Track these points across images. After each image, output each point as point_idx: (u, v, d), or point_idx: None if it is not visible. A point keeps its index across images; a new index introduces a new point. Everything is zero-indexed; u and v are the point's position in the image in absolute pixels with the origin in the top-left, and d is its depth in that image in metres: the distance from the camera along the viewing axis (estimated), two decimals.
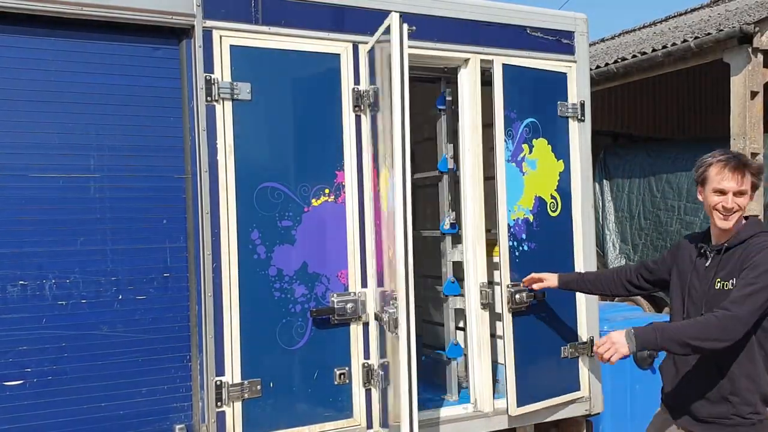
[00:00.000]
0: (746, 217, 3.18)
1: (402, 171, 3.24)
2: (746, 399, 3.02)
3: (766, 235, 3.06)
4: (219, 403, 3.56)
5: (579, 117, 4.56)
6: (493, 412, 4.23)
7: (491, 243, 4.45)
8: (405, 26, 3.32)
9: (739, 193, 3.04)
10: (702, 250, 3.22)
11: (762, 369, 3.04)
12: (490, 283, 4.38)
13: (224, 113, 3.59)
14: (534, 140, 4.37)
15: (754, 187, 3.09)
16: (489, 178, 4.55)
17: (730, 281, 3.03)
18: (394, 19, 3.30)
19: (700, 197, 3.20)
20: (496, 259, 5.39)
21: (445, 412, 4.21)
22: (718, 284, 3.07)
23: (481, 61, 4.26)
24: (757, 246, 3.02)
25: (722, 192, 3.05)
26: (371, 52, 3.81)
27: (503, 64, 4.15)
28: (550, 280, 4.02)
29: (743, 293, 2.92)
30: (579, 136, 4.57)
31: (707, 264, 3.17)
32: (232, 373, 3.59)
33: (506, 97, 4.15)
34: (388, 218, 3.47)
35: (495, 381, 4.37)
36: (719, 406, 3.05)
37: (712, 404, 3.07)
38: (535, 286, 4.10)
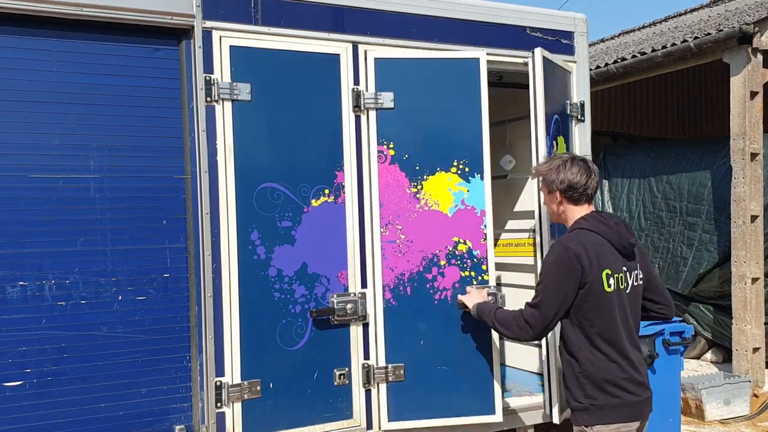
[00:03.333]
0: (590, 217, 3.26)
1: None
2: (574, 384, 3.12)
3: (558, 242, 3.20)
4: (219, 404, 3.56)
5: (579, 117, 4.56)
6: None
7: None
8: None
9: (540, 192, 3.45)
10: None
11: (582, 355, 3.09)
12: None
13: (224, 114, 3.59)
14: (558, 137, 4.36)
15: (548, 186, 3.31)
16: (495, 177, 4.53)
17: None
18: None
19: None
20: (500, 260, 5.43)
21: None
22: None
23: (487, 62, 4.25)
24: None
25: None
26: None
27: (543, 57, 4.12)
28: None
29: (532, 302, 3.20)
30: (579, 137, 4.57)
31: None
32: (232, 373, 3.59)
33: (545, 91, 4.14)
34: (458, 217, 4.01)
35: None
36: (565, 392, 3.21)
37: (566, 391, 3.21)
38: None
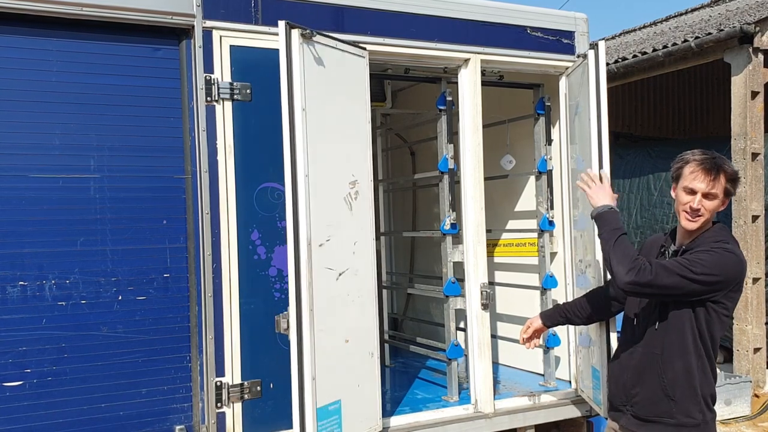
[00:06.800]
0: (715, 222, 3.06)
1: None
2: (688, 398, 2.93)
3: (725, 243, 2.93)
4: (219, 404, 3.55)
5: None
6: (493, 413, 4.22)
7: (491, 243, 4.43)
8: None
9: (708, 196, 2.93)
10: (662, 249, 3.15)
11: (700, 370, 2.94)
12: (491, 283, 4.37)
13: (224, 113, 3.59)
14: None
15: (727, 193, 2.96)
16: (489, 178, 4.54)
17: None
18: None
19: (673, 194, 3.09)
20: (497, 260, 5.43)
21: (445, 413, 4.20)
22: None
23: (482, 61, 4.26)
24: (708, 244, 2.93)
25: (692, 191, 2.95)
26: None
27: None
28: (536, 323, 3.68)
29: (675, 267, 2.85)
30: None
31: None
32: (232, 373, 3.59)
33: None
34: None
35: (496, 382, 4.36)
36: (662, 404, 2.96)
37: (655, 403, 2.97)
38: (530, 337, 3.71)
